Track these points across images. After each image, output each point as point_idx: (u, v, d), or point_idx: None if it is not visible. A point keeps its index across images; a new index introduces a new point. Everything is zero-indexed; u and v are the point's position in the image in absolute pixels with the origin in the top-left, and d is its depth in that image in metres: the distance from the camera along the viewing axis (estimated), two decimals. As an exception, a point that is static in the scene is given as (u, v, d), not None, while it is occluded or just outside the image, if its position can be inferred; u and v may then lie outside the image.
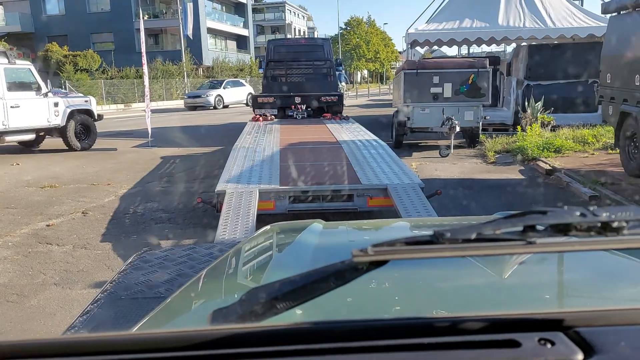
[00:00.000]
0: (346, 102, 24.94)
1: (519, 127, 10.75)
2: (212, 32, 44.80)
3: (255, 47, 53.96)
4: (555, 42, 13.26)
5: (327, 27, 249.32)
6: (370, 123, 13.23)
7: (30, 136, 11.25)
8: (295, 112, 12.59)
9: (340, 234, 1.82)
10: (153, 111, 14.63)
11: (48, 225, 5.88)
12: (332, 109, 12.76)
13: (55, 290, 4.09)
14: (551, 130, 10.86)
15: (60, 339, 0.66)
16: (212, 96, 27.42)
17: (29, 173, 9.17)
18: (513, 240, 0.64)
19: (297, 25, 71.48)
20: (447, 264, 1.15)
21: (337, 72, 14.87)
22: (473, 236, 0.63)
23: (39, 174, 9.01)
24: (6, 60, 10.41)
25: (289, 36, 59.63)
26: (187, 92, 31.37)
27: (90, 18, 40.11)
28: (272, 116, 12.36)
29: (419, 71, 10.42)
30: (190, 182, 8.04)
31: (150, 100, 13.26)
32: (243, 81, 32.39)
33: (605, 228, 0.66)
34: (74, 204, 6.85)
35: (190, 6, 35.97)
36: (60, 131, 11.38)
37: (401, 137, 11.03)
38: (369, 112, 21.27)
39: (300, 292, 0.67)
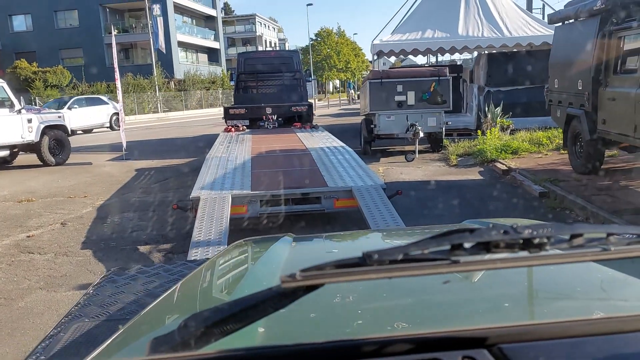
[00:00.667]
0: (318, 111, 25.41)
1: (479, 132, 11.32)
2: (182, 45, 44.93)
3: (226, 60, 54.21)
4: (514, 50, 13.96)
5: (297, 38, 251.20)
6: (341, 131, 13.69)
7: (5, 152, 11.36)
8: (266, 122, 12.96)
9: (310, 247, 1.83)
10: (126, 126, 14.79)
11: (28, 237, 6.10)
12: (302, 119, 13.17)
13: (41, 294, 4.35)
14: (510, 133, 11.46)
15: None
16: None
17: (4, 188, 9.31)
18: (438, 260, 0.64)
19: (268, 37, 71.98)
20: (376, 284, 1.23)
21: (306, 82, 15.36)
22: (400, 257, 0.64)
23: (15, 189, 9.16)
24: (-22, 78, 10.49)
25: (259, 48, 60.10)
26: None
27: (59, 34, 39.88)
28: (244, 127, 12.70)
29: (383, 80, 10.92)
30: (165, 192, 8.31)
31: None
32: (104, 97, 24.53)
33: (528, 244, 0.66)
34: (52, 215, 7.06)
35: (160, 20, 36.14)
36: (34, 147, 11.51)
37: (369, 144, 11.51)
38: (340, 121, 21.77)
39: (231, 320, 0.68)
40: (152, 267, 2.01)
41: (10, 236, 6.17)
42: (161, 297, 1.31)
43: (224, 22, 60.01)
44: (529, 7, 21.93)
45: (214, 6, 52.01)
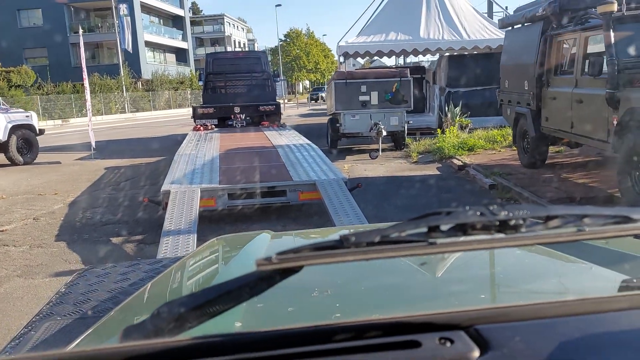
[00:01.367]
0: (287, 111, 25.72)
1: (439, 130, 11.88)
2: (150, 45, 44.62)
3: (195, 60, 54.02)
4: (474, 52, 14.61)
5: (267, 39, 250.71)
6: (309, 130, 14.08)
7: (-29, 152, 11.27)
8: (234, 122, 13.26)
9: (289, 243, 1.78)
10: (93, 126, 14.84)
11: (2, 231, 6.28)
12: (270, 118, 13.52)
13: (19, 281, 4.60)
14: (469, 132, 12.05)
15: None
16: None
17: (-28, 187, 9.37)
18: (415, 242, 0.65)
19: (237, 37, 71.88)
20: (355, 269, 1.18)
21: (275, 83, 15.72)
22: (377, 239, 0.64)
23: (-16, 188, 9.23)
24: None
25: (229, 48, 59.97)
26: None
27: (23, 33, 39.12)
28: (213, 126, 12.96)
29: (347, 81, 11.36)
30: (134, 189, 8.55)
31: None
32: None
33: (504, 226, 0.67)
34: (24, 211, 7.24)
35: (127, 20, 35.87)
36: (2, 146, 11.53)
37: (336, 143, 11.94)
38: (309, 121, 22.17)
39: (205, 306, 0.67)
40: (126, 265, 1.98)
41: (-17, 231, 6.33)
42: (134, 295, 1.30)
43: (192, 22, 59.73)
44: (490, 11, 22.78)
45: (181, 6, 51.77)
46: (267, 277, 0.66)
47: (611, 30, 5.37)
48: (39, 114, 28.96)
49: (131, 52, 36.21)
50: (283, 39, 62.46)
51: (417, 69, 17.06)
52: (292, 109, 35.54)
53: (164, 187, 6.03)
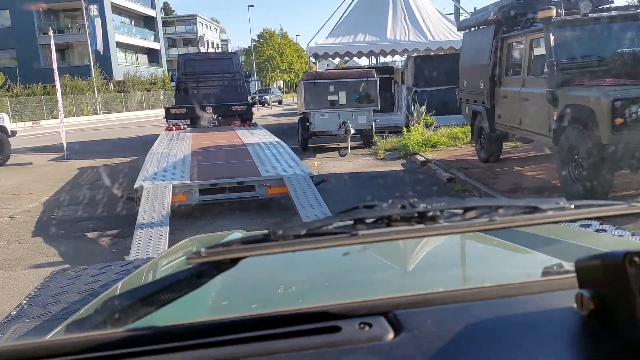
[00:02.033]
0: (260, 111, 25.94)
1: (405, 129, 12.36)
2: (121, 46, 44.30)
3: (167, 60, 53.75)
4: (440, 53, 15.16)
5: (240, 40, 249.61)
6: (280, 130, 14.43)
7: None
8: (206, 121, 13.53)
9: None
10: (66, 127, 14.91)
11: (-22, 229, 6.47)
12: (242, 117, 13.83)
13: (-1, 272, 4.85)
14: (434, 130, 12.55)
15: None
16: None
17: (-55, 188, 9.44)
18: (339, 234, 0.67)
19: (210, 37, 71.64)
20: (285, 262, 1.23)
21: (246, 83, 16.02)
22: (303, 232, 0.67)
23: (-44, 189, 9.32)
24: None
25: (201, 49, 59.79)
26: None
27: (-11, 34, 38.49)
28: (185, 125, 13.21)
29: (316, 81, 11.74)
30: (107, 188, 8.76)
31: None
32: None
33: (423, 217, 0.71)
34: (-1, 210, 7.42)
35: (98, 20, 35.60)
36: (-27, 148, 11.57)
37: (306, 141, 12.30)
38: (282, 121, 22.49)
39: (145, 301, 0.69)
40: (98, 266, 1.98)
41: (-41, 229, 6.51)
42: (102, 295, 1.32)
43: (164, 23, 59.38)
44: (457, 14, 23.43)
45: (153, 6, 51.45)
46: (203, 272, 0.69)
47: (550, 34, 5.87)
48: (9, 116, 28.66)
49: (102, 53, 35.96)
50: (256, 39, 62.65)
51: (386, 70, 17.56)
52: (265, 109, 35.80)
53: (137, 184, 6.31)
